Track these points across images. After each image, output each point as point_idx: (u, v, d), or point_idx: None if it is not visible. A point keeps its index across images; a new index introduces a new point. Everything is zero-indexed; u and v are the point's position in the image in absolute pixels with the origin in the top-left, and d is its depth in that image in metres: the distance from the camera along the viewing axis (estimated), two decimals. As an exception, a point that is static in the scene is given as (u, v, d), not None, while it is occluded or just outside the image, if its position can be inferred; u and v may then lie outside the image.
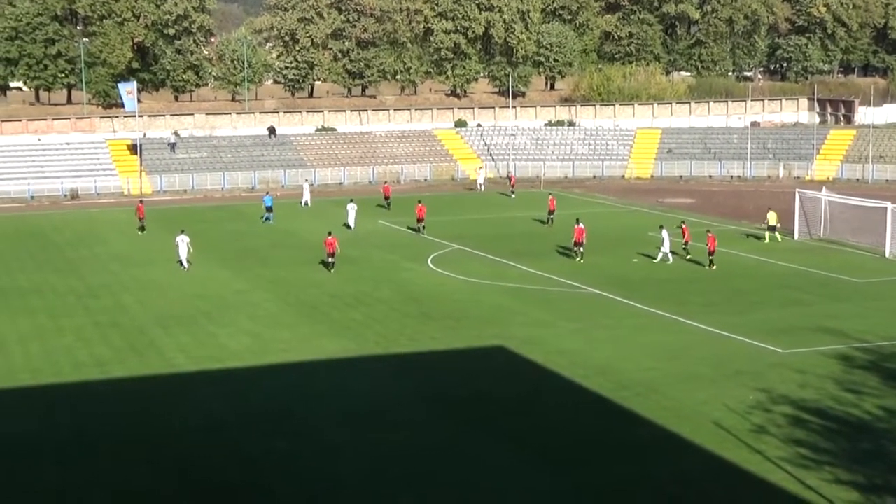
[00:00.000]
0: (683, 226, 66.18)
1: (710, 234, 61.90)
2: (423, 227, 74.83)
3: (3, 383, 40.41)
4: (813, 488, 29.64)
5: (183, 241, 62.58)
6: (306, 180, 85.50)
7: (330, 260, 61.25)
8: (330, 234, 62.96)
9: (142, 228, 75.60)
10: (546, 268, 61.28)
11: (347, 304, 53.18)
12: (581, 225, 64.97)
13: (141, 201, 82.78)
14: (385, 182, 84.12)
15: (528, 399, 38.29)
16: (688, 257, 63.45)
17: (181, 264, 62.13)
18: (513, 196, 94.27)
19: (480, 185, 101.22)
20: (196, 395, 39.17)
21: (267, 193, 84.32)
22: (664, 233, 62.76)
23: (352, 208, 77.58)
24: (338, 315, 50.84)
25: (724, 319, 49.06)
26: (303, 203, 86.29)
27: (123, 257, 65.58)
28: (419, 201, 77.53)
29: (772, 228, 70.50)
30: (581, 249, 64.21)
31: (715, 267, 60.89)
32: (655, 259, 62.49)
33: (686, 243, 64.54)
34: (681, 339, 46.04)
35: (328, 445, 33.67)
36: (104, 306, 52.72)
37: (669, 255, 62.45)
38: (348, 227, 76.20)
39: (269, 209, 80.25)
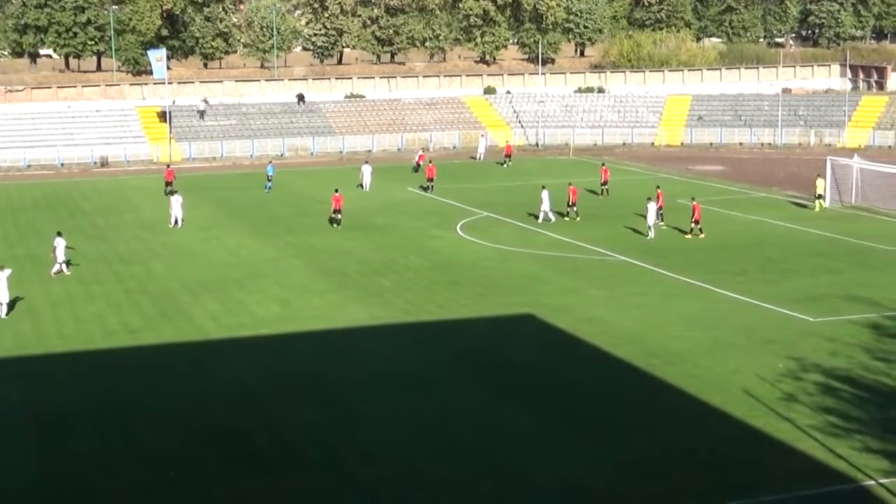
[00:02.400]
0: (659, 190, 65.52)
1: (694, 203, 61.24)
2: (433, 187, 78.35)
3: (34, 349, 40.67)
4: (843, 457, 29.55)
5: (177, 202, 65.09)
6: (366, 162, 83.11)
7: (337, 216, 64.07)
8: (337, 190, 65.40)
9: (170, 193, 75.97)
10: (574, 235, 61.13)
11: (376, 271, 53.22)
12: (573, 185, 67.42)
13: (168, 165, 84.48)
14: (430, 162, 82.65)
15: (558, 367, 38.27)
16: (662, 225, 62.70)
17: (176, 223, 64.56)
18: (505, 166, 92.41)
19: (481, 154, 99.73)
20: (225, 361, 39.30)
21: (270, 163, 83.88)
22: (650, 205, 61.43)
23: (366, 169, 78.92)
24: (367, 282, 50.89)
25: (754, 288, 48.85)
26: (364, 186, 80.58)
27: (153, 224, 65.79)
28: (430, 161, 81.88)
29: (820, 196, 69.89)
30: (575, 209, 66.11)
31: (703, 235, 60.16)
32: (648, 237, 60.69)
33: (660, 208, 63.25)
34: (710, 307, 45.89)
35: (357, 412, 33.74)
36: (134, 273, 52.93)
37: (652, 230, 60.96)
38: (361, 187, 77.95)
39: (269, 178, 80.00)
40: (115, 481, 28.81)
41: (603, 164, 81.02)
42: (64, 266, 52.84)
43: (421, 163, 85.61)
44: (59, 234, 53.99)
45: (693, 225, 60.63)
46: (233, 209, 71.79)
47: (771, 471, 29.01)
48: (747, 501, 27.02)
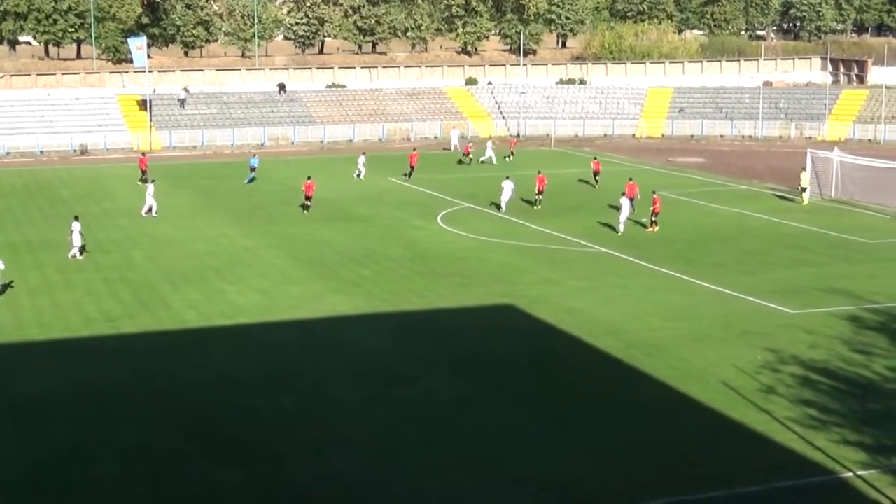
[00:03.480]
0: (631, 182, 65.36)
1: (655, 196, 61.08)
2: (410, 175, 79.74)
3: (12, 338, 40.50)
4: (821, 449, 29.64)
5: (150, 190, 65.48)
6: (363, 153, 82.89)
7: (307, 203, 65.45)
8: (309, 178, 66.48)
9: (144, 180, 76.10)
10: (555, 226, 61.18)
11: (357, 261, 53.16)
12: (542, 174, 68.57)
13: (143, 153, 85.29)
14: (414, 150, 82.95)
15: (537, 358, 38.29)
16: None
17: (150, 211, 64.47)
18: (507, 159, 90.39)
19: (455, 145, 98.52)
20: (205, 351, 39.20)
21: (254, 155, 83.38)
22: (623, 200, 60.97)
23: (361, 161, 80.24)
24: (347, 272, 50.83)
25: (734, 279, 48.97)
26: (360, 177, 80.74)
27: (133, 213, 65.54)
28: (414, 150, 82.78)
29: (804, 189, 70.11)
30: (541, 197, 67.21)
31: (657, 228, 60.02)
32: (618, 232, 60.57)
33: (632, 199, 62.88)
34: (690, 298, 45.98)
35: (337, 402, 33.71)
36: (114, 262, 52.74)
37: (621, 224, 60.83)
38: (357, 176, 79.30)
39: (252, 169, 79.57)
40: (94, 471, 28.70)
41: (595, 158, 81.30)
42: (77, 252, 53.17)
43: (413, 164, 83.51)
44: (75, 218, 54.52)
45: (652, 217, 60.56)
46: (213, 198, 71.62)
47: (749, 462, 29.08)
48: (725, 493, 27.08)
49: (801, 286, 47.80)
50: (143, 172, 77.35)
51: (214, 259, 53.46)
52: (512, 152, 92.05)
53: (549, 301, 45.25)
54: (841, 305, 44.37)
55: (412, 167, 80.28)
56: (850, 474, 28.19)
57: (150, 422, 32.09)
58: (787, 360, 37.27)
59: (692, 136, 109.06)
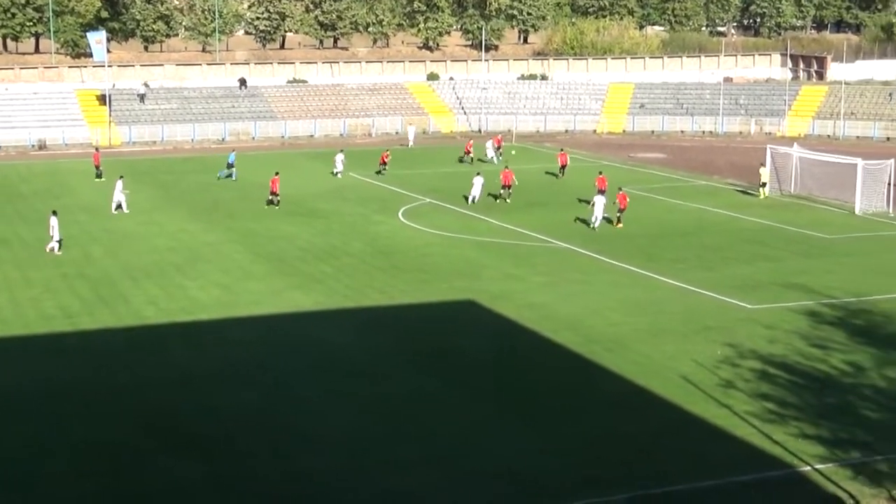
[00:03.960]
0: (601, 175, 66.24)
1: (621, 192, 61.21)
2: (384, 171, 79.48)
3: (-30, 334, 40.22)
4: (779, 443, 29.83)
5: (118, 186, 64.94)
6: (341, 151, 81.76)
7: (273, 198, 65.78)
8: (277, 173, 67.05)
9: (99, 176, 75.98)
10: (517, 222, 61.27)
11: (318, 257, 53.07)
12: (509, 169, 69.87)
13: (97, 149, 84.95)
14: (386, 150, 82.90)
15: (498, 353, 38.34)
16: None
17: (119, 208, 64.10)
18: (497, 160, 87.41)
19: (411, 142, 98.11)
20: (165, 347, 39.03)
21: (233, 151, 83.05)
22: (596, 198, 61.24)
23: (339, 158, 79.26)
24: (308, 268, 50.73)
25: (694, 275, 49.20)
26: (337, 175, 79.37)
27: (92, 208, 65.15)
28: (387, 150, 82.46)
29: (764, 184, 70.59)
30: (509, 191, 67.85)
31: (621, 225, 60.09)
32: (592, 226, 60.38)
33: (601, 191, 63.15)
34: (650, 294, 46.15)
35: (297, 398, 33.65)
36: (72, 258, 52.41)
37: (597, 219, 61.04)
38: (334, 174, 78.36)
39: (230, 165, 78.85)
40: (51, 467, 28.51)
41: (562, 150, 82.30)
42: (56, 245, 53.16)
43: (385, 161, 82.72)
44: (53, 213, 54.34)
45: (618, 214, 60.69)
46: (173, 194, 71.32)
47: (708, 456, 29.24)
48: (685, 487, 27.20)
49: (760, 281, 48.08)
50: (97, 168, 77.16)
51: (175, 254, 53.23)
52: (500, 150, 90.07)
53: (510, 296, 45.32)
54: (799, 300, 44.66)
55: (383, 163, 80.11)
56: (808, 468, 28.38)
57: (109, 418, 31.92)
58: (746, 354, 37.48)
59: (653, 131, 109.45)
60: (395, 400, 33.64)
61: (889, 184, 65.58)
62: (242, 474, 28.20)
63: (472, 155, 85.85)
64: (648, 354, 37.62)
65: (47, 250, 52.89)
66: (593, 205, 60.23)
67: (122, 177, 67.45)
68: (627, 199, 60.91)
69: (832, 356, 37.41)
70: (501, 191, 67.90)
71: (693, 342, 38.97)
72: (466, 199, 67.15)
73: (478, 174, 69.16)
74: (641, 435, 30.78)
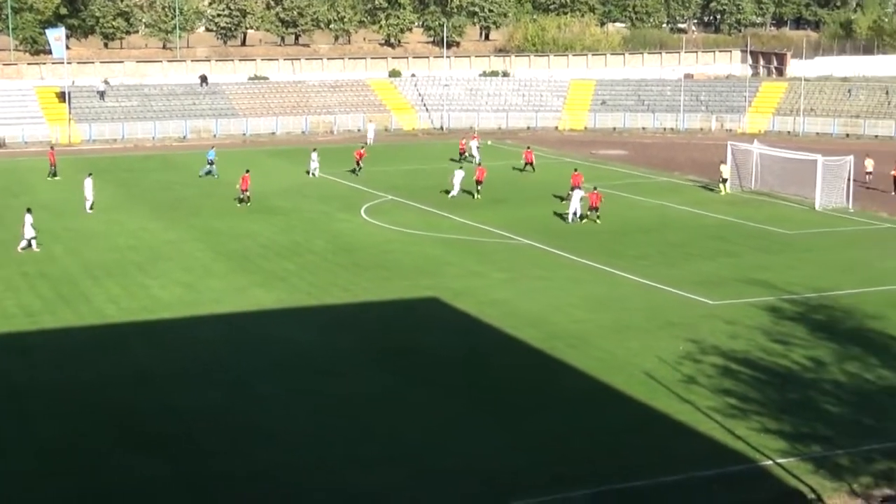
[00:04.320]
0: (576, 172, 66.84)
1: (595, 191, 61.77)
2: (360, 170, 78.38)
3: (-71, 334, 39.88)
4: (742, 438, 29.99)
5: (89, 183, 64.22)
6: (314, 150, 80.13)
7: (243, 196, 65.56)
8: (247, 171, 66.82)
9: (53, 174, 75.66)
10: (479, 218, 61.31)
11: (280, 254, 52.94)
12: (482, 166, 71.16)
13: (52, 147, 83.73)
14: (363, 147, 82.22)
15: (462, 350, 38.34)
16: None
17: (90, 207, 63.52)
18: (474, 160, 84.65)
19: (370, 139, 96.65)
20: (127, 346, 38.83)
21: (212, 148, 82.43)
22: (575, 193, 61.91)
23: (314, 156, 78.23)
24: (270, 266, 50.59)
25: (656, 271, 49.39)
26: (312, 173, 78.13)
27: (52, 207, 64.70)
28: (362, 146, 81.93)
29: (724, 181, 70.95)
30: (480, 188, 68.42)
31: (599, 221, 60.49)
32: (570, 220, 61.23)
33: (593, 208, 63.46)
34: (613, 290, 46.29)
35: (259, 396, 33.56)
36: (33, 256, 52.01)
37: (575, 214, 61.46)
38: (309, 173, 77.42)
39: (211, 163, 78.24)
40: (10, 467, 28.31)
41: (528, 148, 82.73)
42: (27, 243, 52.90)
43: (360, 159, 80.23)
44: (28, 210, 54.02)
45: (590, 212, 61.01)
46: (134, 192, 70.94)
47: (671, 452, 29.36)
48: (648, 482, 27.30)
49: (722, 277, 48.32)
50: (52, 166, 76.73)
51: (136, 253, 52.96)
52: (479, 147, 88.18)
53: (473, 293, 45.35)
54: (760, 296, 44.91)
55: (358, 161, 79.01)
56: (770, 462, 28.55)
57: (72, 417, 31.72)
58: (709, 350, 37.66)
59: (615, 128, 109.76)
60: (359, 398, 33.59)
61: (848, 180, 66.01)
62: (206, 473, 28.11)
63: (466, 154, 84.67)
64: (611, 351, 37.74)
65: (19, 249, 52.52)
66: (569, 199, 61.06)
67: (90, 174, 66.59)
68: (600, 198, 61.22)
69: (793, 351, 37.65)
70: (479, 187, 68.27)
71: (656, 338, 39.12)
72: (447, 192, 68.24)
73: (459, 168, 70.24)
74: (605, 431, 30.88)
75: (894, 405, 32.86)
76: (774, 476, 27.93)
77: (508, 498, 26.52)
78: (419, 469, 28.35)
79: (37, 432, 30.68)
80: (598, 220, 60.60)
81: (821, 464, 28.40)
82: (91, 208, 63.55)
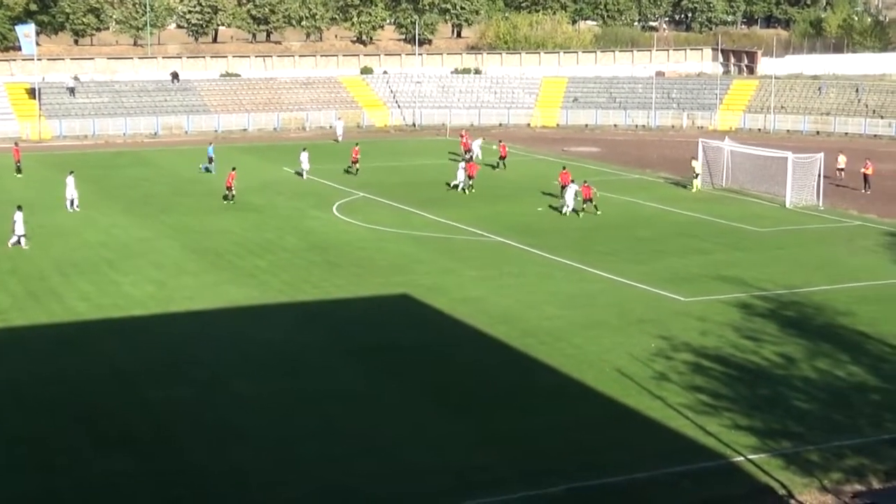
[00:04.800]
0: (564, 171, 67.20)
1: (585, 184, 63.19)
2: (357, 169, 77.15)
3: None
4: (713, 434, 30.11)
5: (71, 181, 63.91)
6: (304, 149, 77.42)
7: (228, 193, 65.29)
8: (234, 169, 66.72)
9: (18, 170, 75.74)
10: (451, 216, 61.35)
11: (252, 251, 52.83)
12: (473, 162, 73.99)
13: (16, 144, 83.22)
14: (356, 144, 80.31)
15: (434, 347, 38.38)
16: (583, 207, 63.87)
17: (72, 205, 62.87)
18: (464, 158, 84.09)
19: (339, 136, 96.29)
20: (99, 343, 38.67)
21: (210, 143, 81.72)
22: (571, 187, 62.69)
23: (304, 156, 75.92)
24: (242, 263, 50.49)
25: (627, 268, 49.53)
26: (302, 174, 76.10)
27: (22, 203, 64.13)
28: (356, 144, 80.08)
29: (696, 176, 71.26)
30: (471, 182, 69.88)
31: (599, 212, 62.14)
32: (564, 212, 62.22)
33: (564, 187, 64.08)
34: (584, 287, 46.39)
35: (231, 393, 33.48)
36: (3, 253, 51.73)
37: (568, 207, 62.15)
38: (300, 174, 75.57)
39: (211, 160, 77.38)
40: (-17, 465, 28.22)
41: (501, 142, 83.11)
42: (22, 240, 52.89)
43: (357, 159, 78.60)
44: (18, 207, 54.04)
45: (586, 204, 62.45)
46: (105, 188, 70.65)
47: (643, 449, 29.45)
48: (620, 479, 27.37)
49: (693, 274, 48.50)
50: (17, 163, 76.42)
51: (107, 250, 52.76)
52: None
53: (445, 290, 45.38)
54: (731, 293, 45.10)
55: (354, 161, 77.44)
56: (741, 458, 28.68)
57: (43, 414, 31.60)
58: (680, 346, 37.79)
59: (586, 125, 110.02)
60: (331, 395, 33.58)
61: (819, 177, 66.34)
62: (178, 469, 28.02)
63: (472, 152, 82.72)
64: (583, 347, 37.83)
65: (9, 245, 52.40)
66: (564, 194, 62.59)
67: (72, 172, 65.79)
68: (592, 190, 62.85)
69: (764, 348, 37.83)
70: (471, 181, 69.78)
71: (627, 335, 39.24)
72: (454, 186, 69.56)
73: (462, 161, 72.84)
74: (576, 427, 30.95)
75: (864, 401, 33.06)
76: (745, 472, 28.05)
77: (480, 494, 26.56)
78: (391, 465, 28.35)
79: (9, 429, 30.50)
80: (598, 212, 61.94)
81: (791, 460, 28.56)
82: (76, 206, 62.94)
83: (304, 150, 77.74)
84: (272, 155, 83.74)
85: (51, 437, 29.96)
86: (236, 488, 27.10)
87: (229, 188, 65.46)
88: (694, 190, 70.55)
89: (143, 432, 30.44)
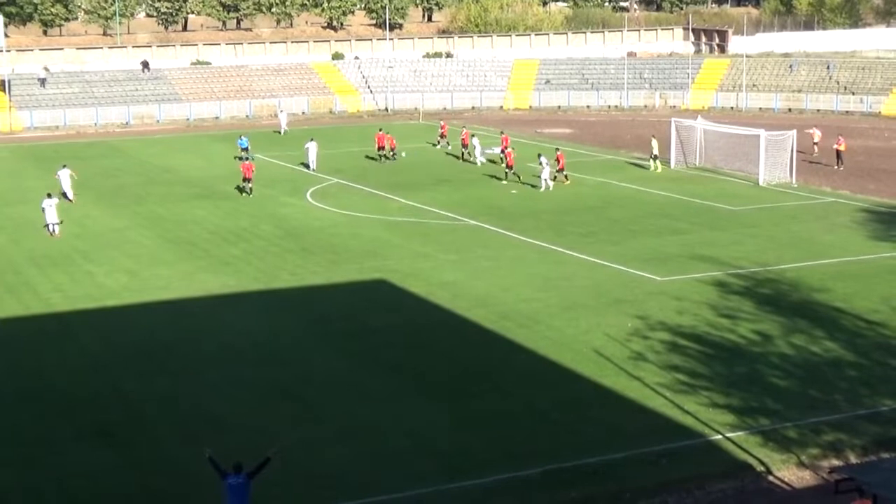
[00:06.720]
0: (559, 153, 67.09)
1: (558, 153, 66.68)
2: (385, 157, 76.27)
3: None
4: (691, 413, 30.20)
5: (64, 174, 62.89)
6: (311, 139, 75.01)
7: (245, 185, 64.12)
8: (247, 159, 67.06)
9: None
10: (425, 200, 61.30)
11: (226, 240, 52.66)
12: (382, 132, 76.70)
13: None
14: (380, 130, 78.64)
15: (411, 331, 38.35)
16: (567, 183, 64.67)
17: (65, 196, 61.59)
18: (440, 146, 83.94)
19: (284, 128, 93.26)
20: (73, 334, 38.53)
21: (241, 136, 79.48)
22: (543, 160, 63.68)
23: (312, 147, 73.60)
24: (217, 251, 50.32)
25: (603, 249, 49.58)
26: (310, 164, 73.68)
27: (-6, 196, 64.06)
28: (380, 129, 79.25)
29: (655, 157, 71.33)
30: (385, 153, 74.43)
31: (568, 181, 65.18)
32: (540, 188, 63.00)
33: (561, 170, 65.37)
34: (560, 269, 46.41)
35: (209, 382, 33.39)
36: (-25, 246, 51.53)
37: (549, 183, 63.30)
38: (307, 166, 73.24)
39: (245, 150, 75.82)
40: (-40, 460, 28.07)
41: (464, 127, 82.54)
42: (56, 227, 53.36)
43: (384, 145, 76.87)
44: (48, 195, 54.47)
45: (558, 173, 63.97)
46: (78, 179, 70.15)
47: (621, 428, 29.51)
48: (599, 459, 27.42)
49: (669, 254, 48.58)
50: None
51: (80, 241, 52.52)
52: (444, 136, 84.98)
53: (421, 275, 45.34)
54: (707, 272, 45.21)
55: (381, 148, 76.01)
56: (720, 436, 28.78)
57: (19, 406, 31.48)
58: (656, 326, 37.87)
59: (559, 107, 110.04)
60: (309, 381, 33.54)
61: (791, 154, 66.51)
62: (154, 459, 27.94)
63: (468, 152, 77.93)
64: (560, 329, 37.86)
65: (57, 233, 53.34)
66: (541, 168, 64.21)
67: (65, 166, 64.78)
68: (563, 158, 65.91)
69: (740, 326, 37.94)
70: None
71: (604, 315, 39.29)
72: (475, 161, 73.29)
73: (473, 135, 75.55)
74: (555, 408, 30.99)
75: (840, 377, 33.19)
76: (724, 450, 28.15)
77: (460, 477, 26.57)
78: (371, 449, 28.34)
79: (-17, 423, 30.41)
80: (567, 181, 64.51)
81: (769, 437, 28.66)
82: (70, 199, 61.87)
83: (311, 139, 75.20)
84: (254, 142, 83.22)
85: (28, 430, 29.81)
86: (213, 477, 26.97)
87: (248, 180, 63.94)
88: (655, 170, 70.49)
89: (119, 423, 30.34)
